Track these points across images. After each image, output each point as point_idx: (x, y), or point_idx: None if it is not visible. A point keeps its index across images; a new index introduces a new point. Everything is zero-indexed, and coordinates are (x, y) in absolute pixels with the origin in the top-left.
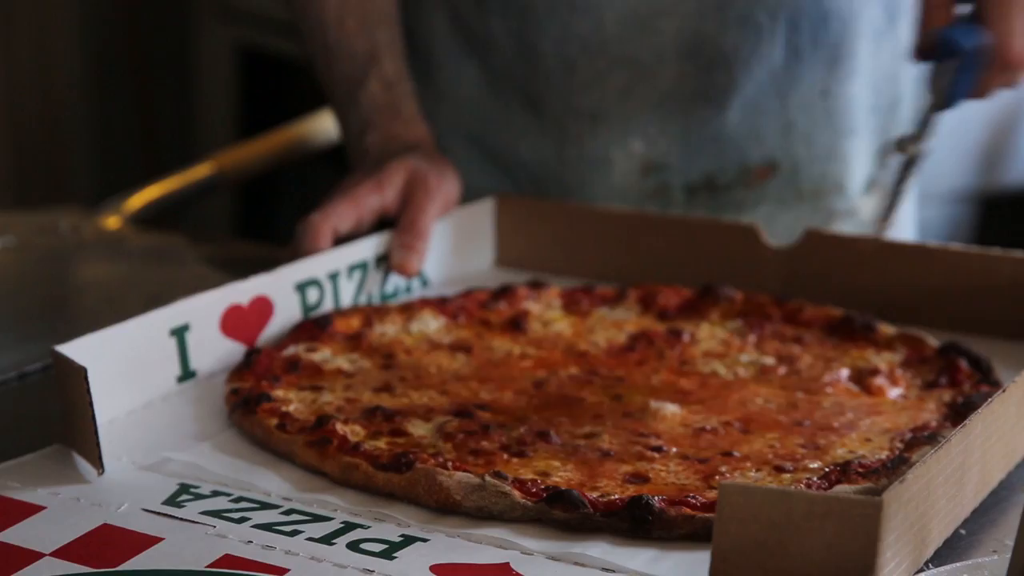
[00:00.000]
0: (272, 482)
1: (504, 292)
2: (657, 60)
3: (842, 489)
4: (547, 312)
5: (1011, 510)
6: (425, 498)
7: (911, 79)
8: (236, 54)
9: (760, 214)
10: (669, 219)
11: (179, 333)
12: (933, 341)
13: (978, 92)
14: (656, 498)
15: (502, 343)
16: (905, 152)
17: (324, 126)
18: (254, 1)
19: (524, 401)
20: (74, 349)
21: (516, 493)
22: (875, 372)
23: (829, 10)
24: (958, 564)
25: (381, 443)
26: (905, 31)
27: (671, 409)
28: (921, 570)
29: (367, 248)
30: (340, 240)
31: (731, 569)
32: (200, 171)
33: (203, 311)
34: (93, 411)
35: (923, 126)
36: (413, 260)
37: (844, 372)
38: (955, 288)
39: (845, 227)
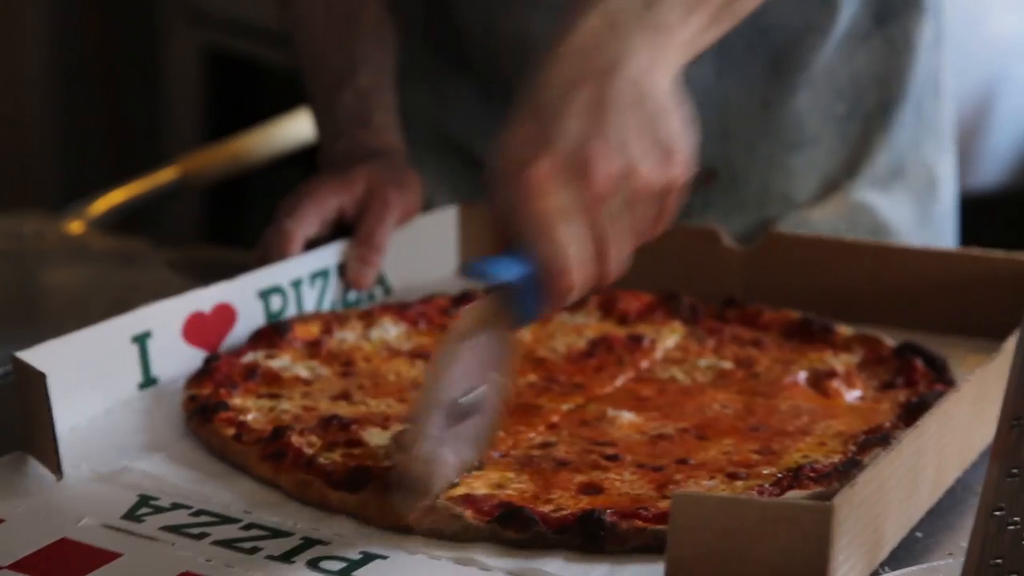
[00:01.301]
0: (230, 494)
1: (465, 298)
2: None
3: (794, 495)
4: None
5: (968, 513)
6: (377, 521)
7: (917, 76)
8: (204, 57)
9: (707, 221)
10: None
11: (141, 340)
12: (890, 341)
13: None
14: (607, 512)
15: None
16: None
17: (291, 130)
18: (222, 4)
19: None
20: (34, 355)
21: (468, 513)
22: (832, 375)
23: (769, 23)
24: (914, 568)
25: (336, 455)
26: (901, 30)
27: (628, 417)
28: (877, 573)
29: (329, 255)
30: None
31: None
32: (165, 175)
33: (165, 318)
34: (52, 418)
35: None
36: (368, 274)
37: (802, 375)
38: (914, 286)
39: None
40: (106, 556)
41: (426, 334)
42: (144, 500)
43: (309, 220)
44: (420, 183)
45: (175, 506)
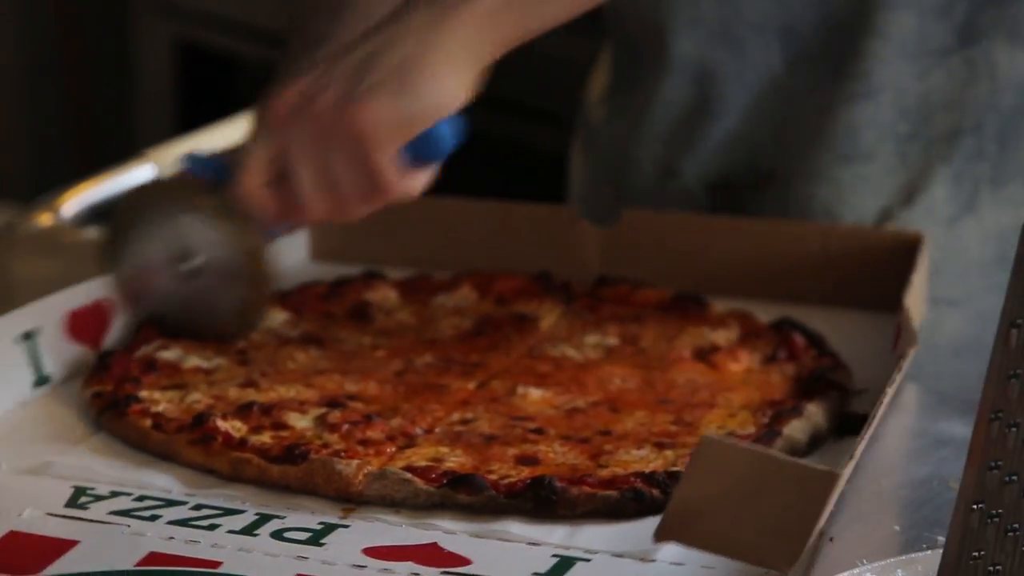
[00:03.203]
0: (165, 479)
1: (341, 284)
2: None
3: None
4: (385, 302)
5: (945, 506)
6: (323, 488)
7: (1000, 108)
8: (174, 49)
9: None
10: (483, 205)
11: (29, 337)
12: (762, 316)
13: None
14: (556, 478)
15: (351, 335)
16: None
17: None
18: None
19: (390, 391)
20: None
21: (418, 480)
22: (716, 349)
23: (836, 20)
24: (892, 560)
25: (265, 437)
26: (984, 53)
27: (537, 392)
28: (855, 565)
29: None
30: None
31: (688, 515)
32: (136, 167)
33: (48, 315)
34: None
35: None
36: None
37: (687, 350)
38: (770, 261)
39: None
40: (63, 544)
41: (310, 321)
42: (81, 490)
43: None
44: None
45: (114, 493)
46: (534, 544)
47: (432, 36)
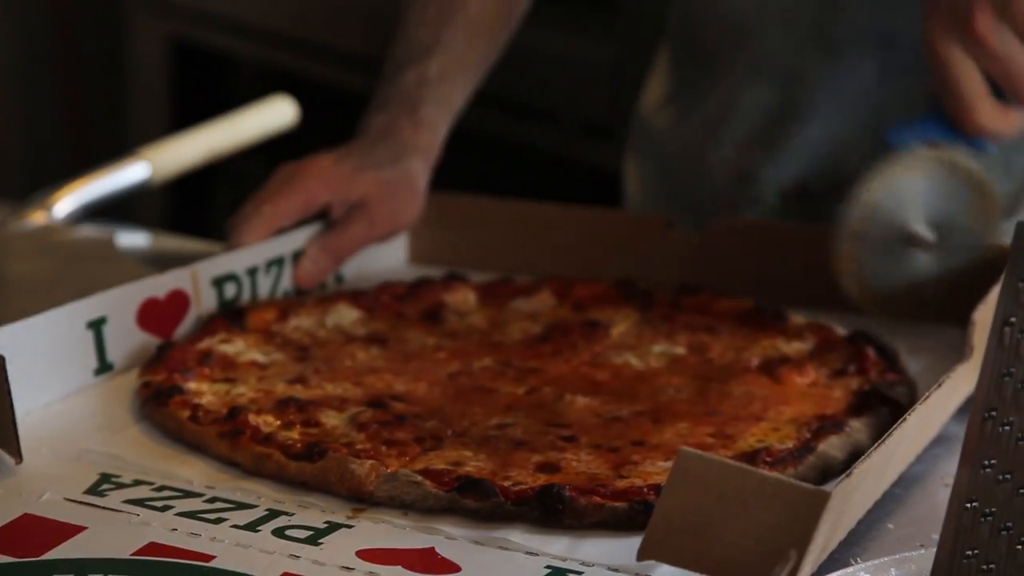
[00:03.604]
0: (191, 472)
1: (420, 285)
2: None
3: None
4: (463, 305)
5: (939, 505)
6: (337, 487)
7: None
8: (169, 47)
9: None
10: (580, 212)
11: (96, 326)
12: (841, 329)
13: None
14: (567, 487)
15: (417, 335)
16: None
17: (258, 120)
18: None
19: (438, 392)
20: None
21: (428, 483)
22: (784, 360)
23: None
24: (885, 559)
25: (294, 433)
26: None
27: (583, 400)
28: (849, 564)
29: (286, 244)
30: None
31: (670, 531)
32: (129, 164)
33: (119, 304)
34: (11, 400)
35: None
36: (315, 278)
37: (754, 361)
38: None
39: None
40: (70, 530)
41: (381, 320)
42: (106, 477)
43: (290, 212)
44: (417, 212)
45: (137, 482)
46: (532, 554)
47: None
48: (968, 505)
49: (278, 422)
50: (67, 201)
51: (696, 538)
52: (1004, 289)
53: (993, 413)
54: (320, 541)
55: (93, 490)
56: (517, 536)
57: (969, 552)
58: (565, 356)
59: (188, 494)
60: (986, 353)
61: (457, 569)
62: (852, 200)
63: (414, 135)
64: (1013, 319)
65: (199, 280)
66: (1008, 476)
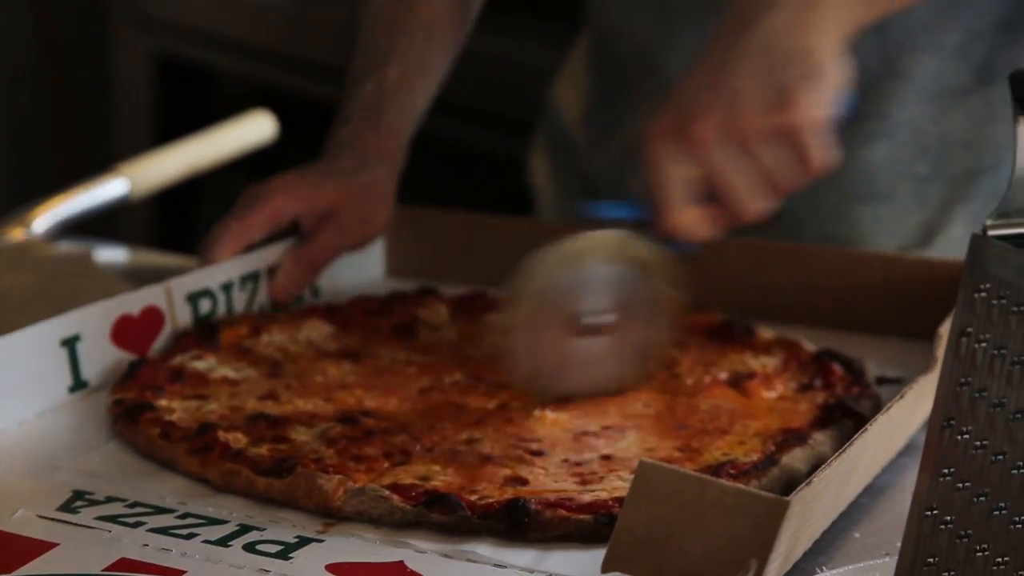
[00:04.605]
0: (163, 489)
1: (393, 300)
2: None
3: None
4: (436, 319)
5: (905, 514)
6: (305, 502)
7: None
8: (153, 63)
9: None
10: (557, 227)
11: (70, 343)
12: (809, 346)
13: None
14: (532, 500)
15: (389, 351)
16: None
17: (240, 134)
18: (172, 10)
19: (408, 407)
20: None
21: (395, 497)
22: (752, 375)
23: (856, 68)
24: (851, 567)
25: (263, 449)
26: (1005, 93)
27: (552, 415)
28: (815, 572)
29: (259, 259)
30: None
31: (633, 543)
32: (108, 180)
33: (94, 321)
34: None
35: None
36: (290, 291)
37: (723, 375)
38: (835, 287)
39: None
40: (43, 546)
41: (354, 335)
42: (79, 495)
43: (258, 226)
44: (387, 218)
45: (110, 499)
46: (499, 566)
47: (814, 23)
48: (928, 513)
49: (247, 439)
50: (45, 217)
51: (659, 549)
52: (960, 300)
53: (952, 422)
54: (290, 555)
55: (66, 507)
56: (485, 549)
57: (930, 560)
58: None
59: (160, 510)
60: (943, 363)
61: None
62: (523, 276)
63: (377, 143)
64: (969, 329)
65: (173, 296)
66: (967, 484)
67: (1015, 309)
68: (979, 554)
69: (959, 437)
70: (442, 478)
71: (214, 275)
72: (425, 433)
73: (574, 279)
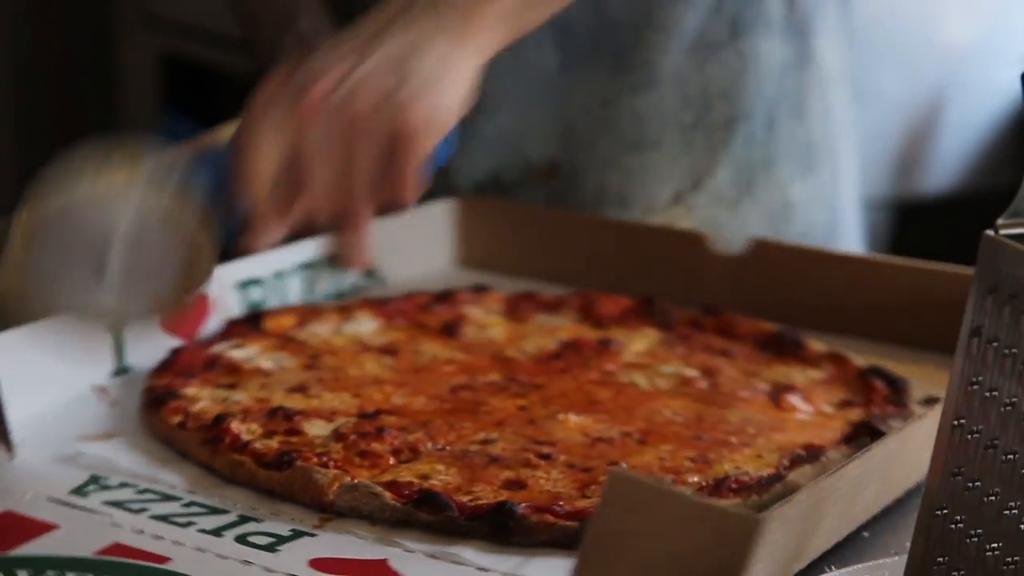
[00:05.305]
0: (176, 477)
1: (445, 296)
2: None
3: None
4: (486, 317)
5: (913, 512)
6: (301, 495)
7: (765, 95)
8: (159, 62)
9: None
10: (623, 224)
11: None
12: (859, 361)
13: None
14: (521, 504)
15: (430, 347)
16: None
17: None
18: (178, 9)
19: (433, 406)
20: (5, 339)
21: (387, 494)
22: (791, 389)
23: (613, 17)
24: (859, 566)
25: (273, 442)
26: (752, 46)
27: (575, 419)
28: (823, 571)
29: (313, 247)
30: None
31: (602, 552)
32: None
33: None
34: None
35: None
36: (360, 252)
37: (762, 387)
38: (893, 300)
39: None
40: (43, 527)
41: (399, 330)
42: (94, 479)
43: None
44: None
45: (123, 485)
46: (483, 570)
47: (460, 36)
48: (938, 512)
49: (262, 431)
50: None
51: (628, 561)
52: (971, 300)
53: (962, 421)
54: (278, 548)
55: (78, 491)
56: (471, 552)
57: (940, 559)
58: (573, 373)
59: (168, 498)
60: (955, 362)
61: None
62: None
63: None
64: (981, 329)
65: (223, 283)
66: (977, 483)
67: None
68: (989, 553)
69: (970, 436)
70: (442, 478)
71: (266, 263)
72: (442, 432)
73: (93, 201)
